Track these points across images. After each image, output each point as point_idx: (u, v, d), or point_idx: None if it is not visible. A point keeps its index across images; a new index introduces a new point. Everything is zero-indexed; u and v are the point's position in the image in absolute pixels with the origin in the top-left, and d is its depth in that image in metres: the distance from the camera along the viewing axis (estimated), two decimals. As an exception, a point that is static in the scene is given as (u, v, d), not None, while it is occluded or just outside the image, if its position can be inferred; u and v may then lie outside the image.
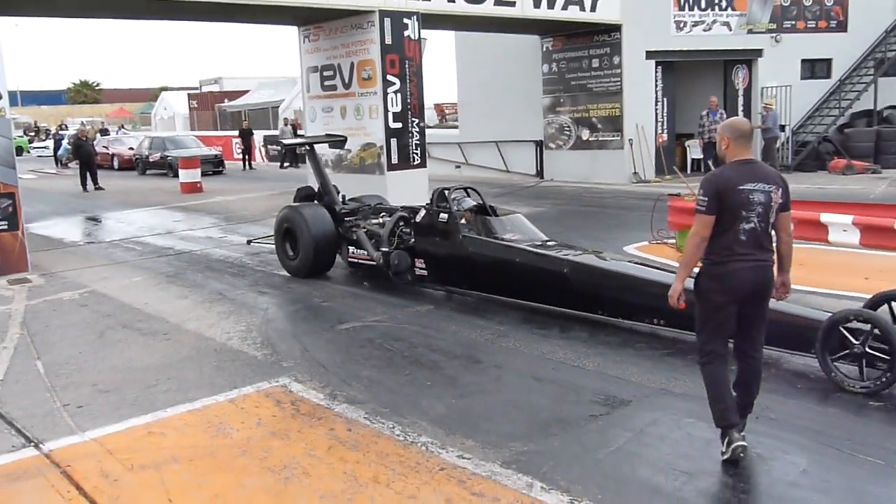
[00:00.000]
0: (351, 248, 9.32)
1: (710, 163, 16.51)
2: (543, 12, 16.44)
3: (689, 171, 18.96)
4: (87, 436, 4.95)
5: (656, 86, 18.99)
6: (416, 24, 14.18)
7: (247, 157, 29.10)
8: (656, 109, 19.08)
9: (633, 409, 5.10)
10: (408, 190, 14.22)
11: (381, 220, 9.27)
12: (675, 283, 4.30)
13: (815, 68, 20.50)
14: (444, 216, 8.11)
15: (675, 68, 19.38)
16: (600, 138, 19.22)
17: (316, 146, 11.04)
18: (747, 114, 19.33)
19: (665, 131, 19.32)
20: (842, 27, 20.41)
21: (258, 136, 30.05)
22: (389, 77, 13.93)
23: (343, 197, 10.32)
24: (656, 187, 16.41)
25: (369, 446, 4.64)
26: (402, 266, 8.30)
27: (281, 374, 6.02)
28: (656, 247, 10.12)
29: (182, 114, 48.53)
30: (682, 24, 18.84)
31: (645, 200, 12.43)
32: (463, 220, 7.94)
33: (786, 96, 19.22)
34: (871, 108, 19.71)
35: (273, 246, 10.28)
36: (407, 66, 14.12)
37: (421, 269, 8.37)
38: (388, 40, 13.85)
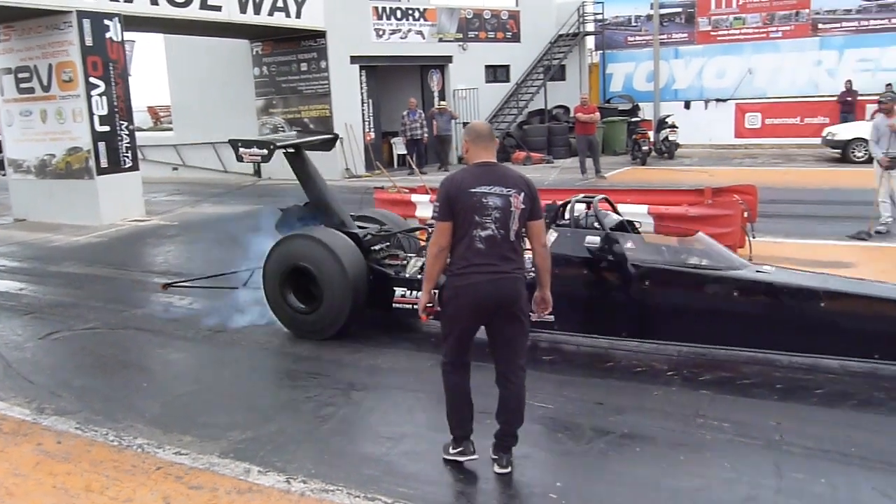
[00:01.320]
0: (399, 290, 6.17)
1: (411, 158, 17.17)
2: (250, 17, 16.05)
3: (395, 166, 19.63)
4: None
5: (362, 88, 19.38)
6: (119, 25, 13.18)
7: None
8: (363, 110, 19.49)
9: (346, 387, 5.18)
10: (121, 193, 13.31)
11: None
12: (421, 295, 3.89)
13: (496, 73, 22.14)
14: (593, 239, 5.47)
15: (377, 72, 19.90)
16: (314, 138, 19.22)
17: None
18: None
19: (372, 130, 19.80)
20: (516, 38, 22.23)
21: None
22: (92, 79, 12.84)
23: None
24: (366, 181, 16.75)
25: (81, 456, 4.29)
26: None
27: (-21, 393, 5.35)
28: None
29: None
30: (381, 32, 19.40)
31: (355, 194, 12.67)
32: (626, 246, 5.44)
33: (474, 97, 20.56)
34: (542, 108, 21.76)
35: (191, 287, 7.69)
36: (111, 68, 13.10)
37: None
38: (89, 42, 12.76)
